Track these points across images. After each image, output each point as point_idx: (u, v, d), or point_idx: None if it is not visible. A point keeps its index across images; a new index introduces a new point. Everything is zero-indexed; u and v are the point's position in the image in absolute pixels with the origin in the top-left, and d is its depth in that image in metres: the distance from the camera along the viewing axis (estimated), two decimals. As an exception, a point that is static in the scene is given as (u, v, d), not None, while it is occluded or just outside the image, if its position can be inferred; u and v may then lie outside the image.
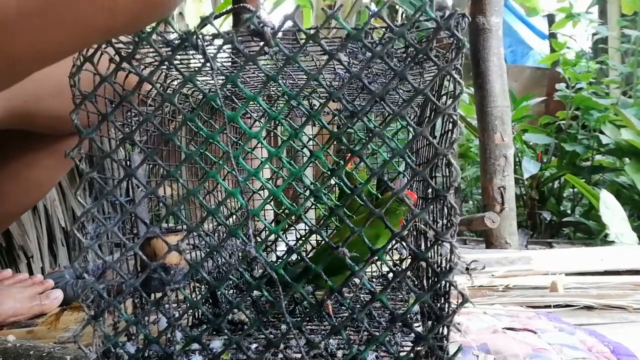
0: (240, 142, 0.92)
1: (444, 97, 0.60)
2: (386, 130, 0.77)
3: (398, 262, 0.96)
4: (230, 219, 0.99)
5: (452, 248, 0.48)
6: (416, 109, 0.88)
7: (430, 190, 0.73)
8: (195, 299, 0.58)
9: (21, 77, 0.47)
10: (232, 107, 0.91)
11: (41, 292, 1.05)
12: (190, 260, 0.53)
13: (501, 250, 1.71)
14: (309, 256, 0.89)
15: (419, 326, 0.72)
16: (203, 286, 0.85)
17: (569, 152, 2.72)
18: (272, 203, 0.87)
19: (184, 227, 0.83)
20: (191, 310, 0.78)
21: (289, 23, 0.46)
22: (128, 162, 0.64)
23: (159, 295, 0.54)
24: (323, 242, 0.80)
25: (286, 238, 0.90)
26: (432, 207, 0.64)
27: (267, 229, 0.55)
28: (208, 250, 0.69)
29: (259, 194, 0.95)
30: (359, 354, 0.51)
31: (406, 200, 0.48)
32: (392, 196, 0.48)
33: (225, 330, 0.53)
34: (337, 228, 0.93)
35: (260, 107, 0.56)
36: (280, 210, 1.03)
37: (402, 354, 0.52)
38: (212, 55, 0.47)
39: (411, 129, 0.48)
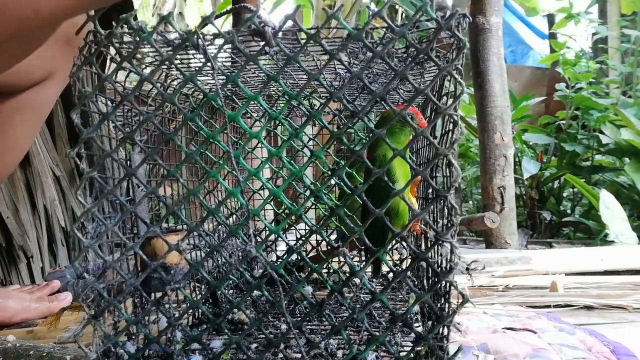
0: (240, 141, 0.92)
1: (445, 97, 0.60)
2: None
3: (398, 262, 0.96)
4: (231, 219, 0.99)
5: (452, 248, 0.48)
6: (417, 109, 0.88)
7: (430, 190, 0.73)
8: (195, 299, 0.58)
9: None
10: (233, 107, 0.91)
11: (49, 293, 1.05)
12: (190, 259, 0.53)
13: (501, 250, 1.71)
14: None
15: (419, 326, 0.72)
16: (203, 286, 0.85)
17: (568, 152, 2.72)
18: (272, 203, 0.87)
19: (184, 226, 0.83)
20: (191, 310, 0.78)
21: (290, 23, 0.46)
22: (128, 162, 0.64)
23: (159, 294, 0.54)
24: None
25: (286, 238, 0.90)
26: (432, 207, 0.64)
27: (267, 228, 0.55)
28: (208, 249, 0.69)
29: (259, 194, 0.95)
30: (359, 354, 0.51)
31: (406, 200, 0.48)
32: (392, 196, 0.48)
33: (226, 330, 0.53)
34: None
35: (261, 107, 0.56)
36: (281, 210, 1.03)
37: (402, 354, 0.52)
38: (212, 55, 0.47)
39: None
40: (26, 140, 1.00)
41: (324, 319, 0.74)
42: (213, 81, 0.48)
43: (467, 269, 0.51)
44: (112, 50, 0.49)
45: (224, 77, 0.49)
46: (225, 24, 4.32)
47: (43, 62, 0.89)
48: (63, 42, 0.89)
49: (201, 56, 0.48)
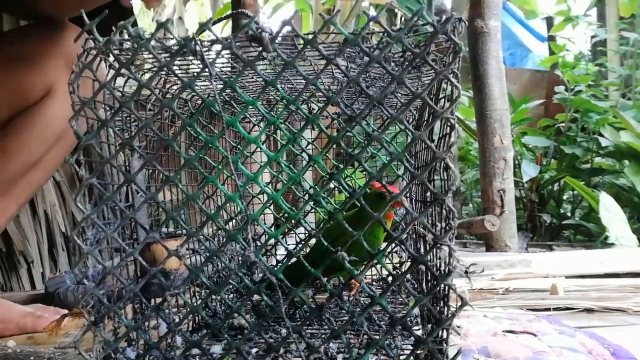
0: (239, 146, 0.92)
1: (442, 100, 0.61)
2: (385, 134, 0.78)
3: (398, 265, 0.96)
4: (230, 224, 0.99)
5: (450, 251, 0.49)
6: (414, 112, 0.89)
7: (428, 193, 0.73)
8: (195, 304, 0.58)
9: None
10: (232, 112, 0.91)
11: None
12: (190, 265, 0.53)
13: (501, 253, 1.71)
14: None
15: (419, 329, 0.72)
16: (203, 291, 0.85)
17: (568, 154, 2.73)
18: (271, 207, 0.87)
19: (184, 231, 0.84)
20: (191, 315, 0.78)
21: (287, 28, 0.46)
22: (127, 168, 0.64)
23: (159, 300, 0.54)
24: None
25: (286, 242, 0.90)
26: (430, 210, 0.64)
27: (266, 233, 0.55)
28: (208, 255, 0.70)
29: (259, 198, 0.95)
30: (359, 358, 0.51)
31: (404, 204, 0.48)
32: (390, 200, 0.48)
33: (225, 335, 0.53)
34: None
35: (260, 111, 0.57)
36: (280, 215, 1.03)
37: (402, 357, 0.52)
38: (210, 60, 0.47)
39: (409, 132, 0.48)
40: (39, 156, 0.99)
41: (323, 323, 0.74)
42: (212, 86, 0.49)
43: (466, 272, 0.51)
44: (111, 57, 0.49)
45: (222, 83, 0.49)
46: (227, 28, 4.33)
47: (44, 79, 0.90)
48: (65, 61, 0.91)
49: (199, 62, 0.48)
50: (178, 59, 0.49)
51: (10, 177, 0.94)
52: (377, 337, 0.50)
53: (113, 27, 0.49)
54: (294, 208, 0.65)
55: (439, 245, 0.49)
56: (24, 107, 0.91)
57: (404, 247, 0.50)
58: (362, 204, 0.50)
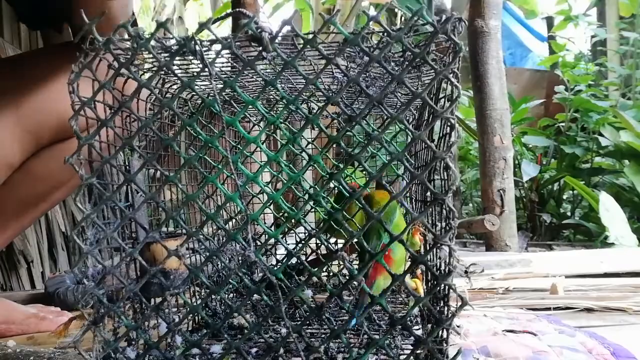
0: (239, 146, 0.92)
1: (442, 99, 0.61)
2: (385, 133, 0.78)
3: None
4: (230, 223, 0.99)
5: (450, 251, 0.49)
6: (414, 111, 0.88)
7: (428, 193, 0.73)
8: (195, 304, 0.58)
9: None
10: (232, 111, 0.91)
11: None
12: (190, 264, 0.53)
13: (501, 253, 1.71)
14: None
15: (418, 329, 0.72)
16: (203, 290, 0.85)
17: (568, 154, 2.72)
18: (271, 207, 0.86)
19: (184, 231, 0.84)
20: (191, 315, 0.78)
21: (287, 28, 0.46)
22: (127, 168, 0.64)
23: (159, 300, 0.54)
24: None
25: (286, 242, 0.90)
26: (430, 210, 0.64)
27: (266, 233, 0.55)
28: (207, 254, 0.70)
29: (259, 198, 0.95)
30: (359, 358, 0.51)
31: (404, 204, 0.48)
32: (390, 199, 0.48)
33: (225, 335, 0.53)
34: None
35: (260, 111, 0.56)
36: (280, 214, 1.03)
37: (402, 357, 0.52)
38: (210, 60, 0.47)
39: (409, 132, 0.48)
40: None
41: (323, 323, 0.74)
42: (211, 86, 0.49)
43: (466, 271, 0.51)
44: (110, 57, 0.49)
45: (222, 83, 0.49)
46: (226, 28, 4.33)
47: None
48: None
49: (199, 62, 0.48)
50: (178, 58, 0.49)
51: (34, 198, 0.96)
52: (377, 337, 0.50)
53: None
54: (294, 208, 0.65)
55: (439, 245, 0.49)
56: (67, 136, 0.91)
57: (404, 247, 0.50)
58: (362, 203, 0.50)
